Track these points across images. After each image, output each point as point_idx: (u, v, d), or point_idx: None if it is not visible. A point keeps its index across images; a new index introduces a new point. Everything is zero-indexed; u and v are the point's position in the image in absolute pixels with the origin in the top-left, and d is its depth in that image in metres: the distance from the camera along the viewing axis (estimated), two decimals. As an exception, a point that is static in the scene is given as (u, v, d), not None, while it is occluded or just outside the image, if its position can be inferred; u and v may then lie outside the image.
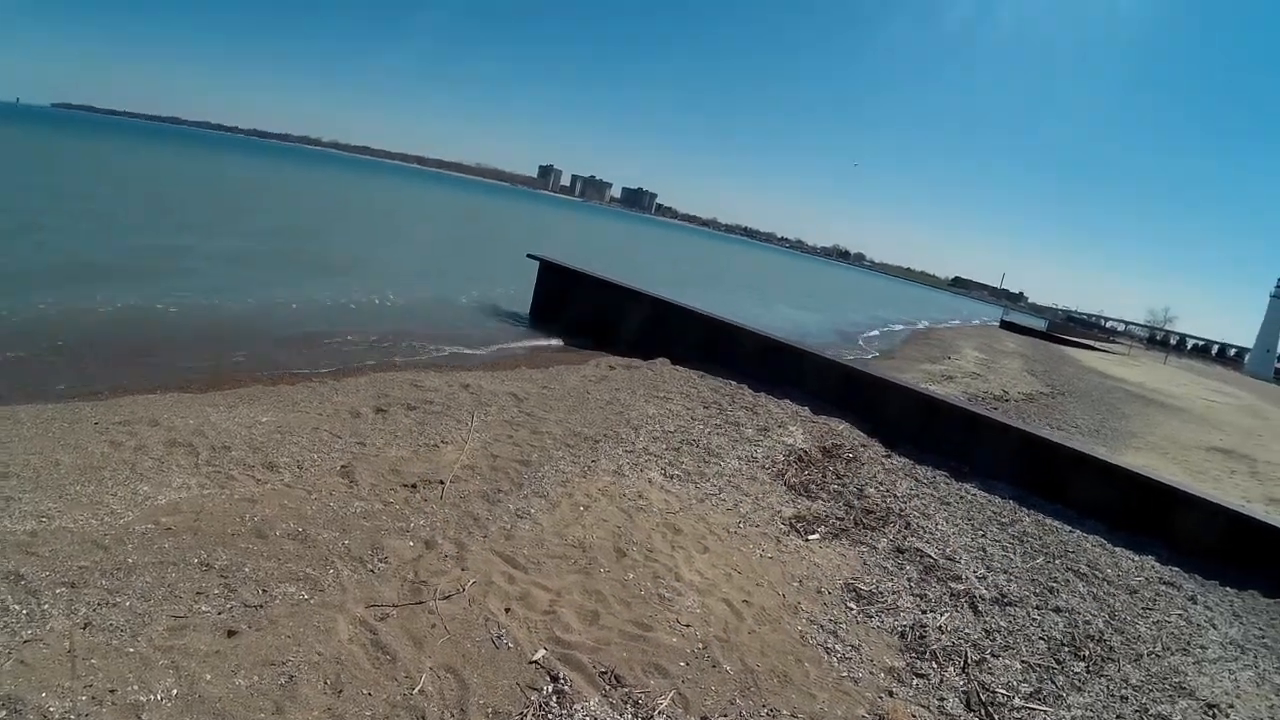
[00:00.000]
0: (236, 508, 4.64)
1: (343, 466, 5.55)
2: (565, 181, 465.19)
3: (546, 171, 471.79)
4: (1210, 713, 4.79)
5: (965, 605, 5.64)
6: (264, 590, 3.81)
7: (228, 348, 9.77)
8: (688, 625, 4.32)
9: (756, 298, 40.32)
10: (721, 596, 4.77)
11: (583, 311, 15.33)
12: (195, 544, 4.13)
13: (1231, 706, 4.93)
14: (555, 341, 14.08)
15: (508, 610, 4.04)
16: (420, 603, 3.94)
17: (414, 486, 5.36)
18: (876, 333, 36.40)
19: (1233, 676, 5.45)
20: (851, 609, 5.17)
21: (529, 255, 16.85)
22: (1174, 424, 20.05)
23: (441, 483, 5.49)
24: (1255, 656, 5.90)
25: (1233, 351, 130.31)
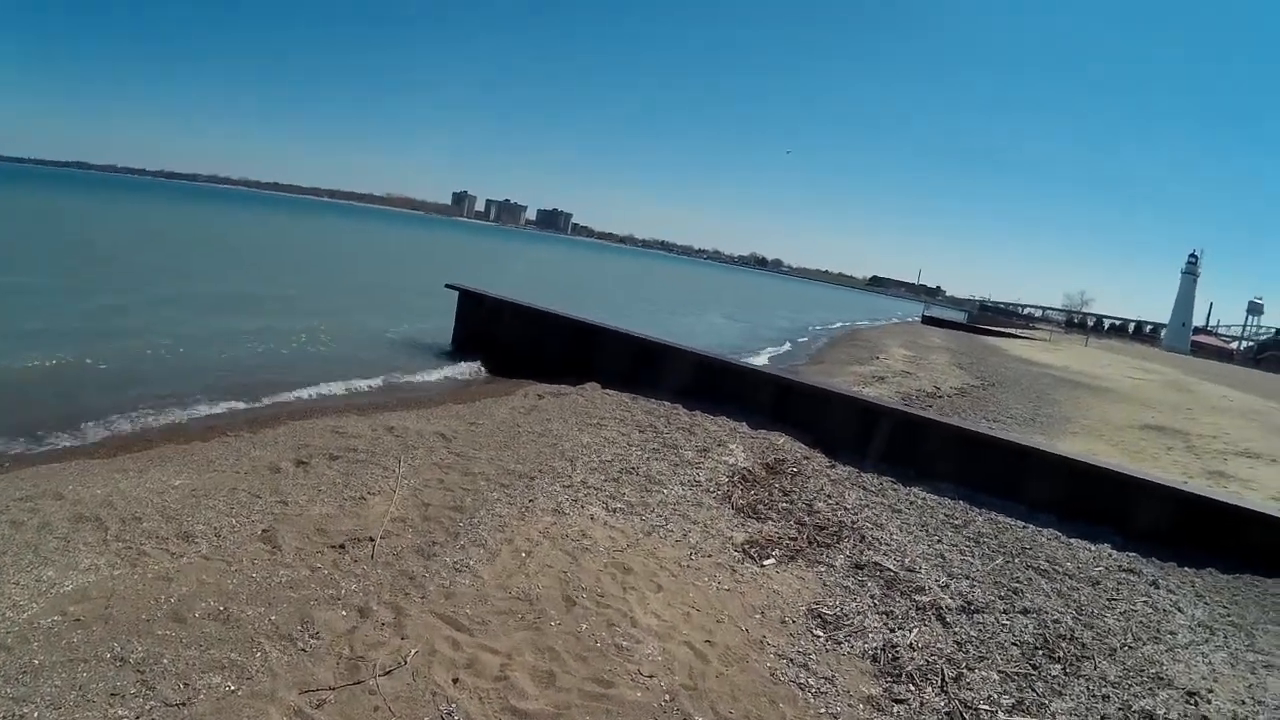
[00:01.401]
0: (151, 588, 4.34)
1: (264, 531, 5.26)
2: (480, 207, 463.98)
3: (460, 198, 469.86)
4: (1192, 700, 4.82)
5: (932, 617, 5.61)
6: (185, 684, 3.53)
7: (134, 404, 9.34)
8: (650, 676, 4.15)
9: (682, 310, 40.78)
10: (682, 639, 4.62)
11: (506, 340, 15.18)
12: (107, 635, 3.84)
13: (1211, 691, 4.98)
14: (480, 372, 13.95)
15: (455, 681, 3.81)
16: (359, 682, 3.69)
17: (342, 547, 5.10)
18: (803, 336, 37.05)
19: (1207, 660, 5.52)
20: (819, 636, 5.07)
21: (448, 285, 16.62)
22: (1105, 405, 20.75)
23: (371, 540, 5.24)
24: (1225, 636, 6.01)
25: (1149, 328, 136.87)
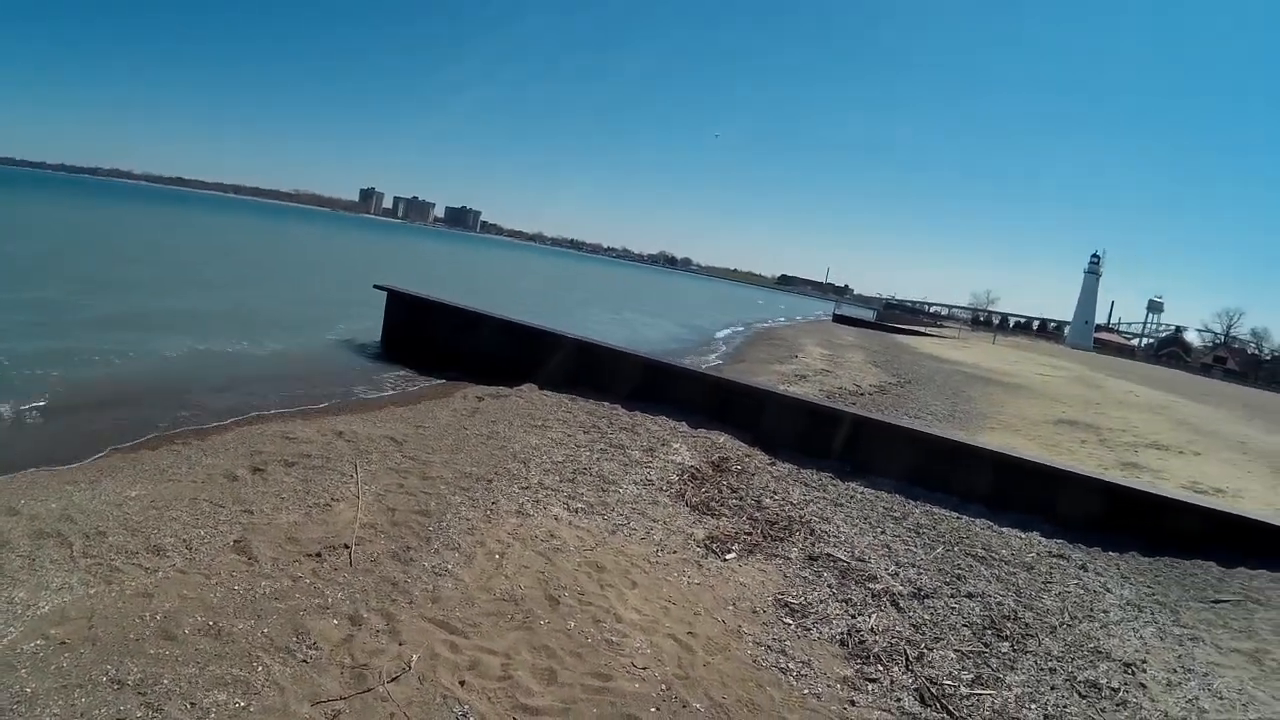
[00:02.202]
0: (132, 606, 4.34)
1: (236, 541, 5.29)
2: (388, 204, 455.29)
3: (368, 194, 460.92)
4: (1130, 670, 5.41)
5: (888, 604, 6.04)
6: (192, 704, 3.58)
7: (69, 413, 9.09)
8: (644, 668, 4.44)
9: (600, 309, 41.05)
10: (666, 632, 4.92)
11: (437, 340, 15.20)
12: (98, 658, 3.84)
13: (1145, 662, 5.59)
14: (413, 374, 13.86)
15: (462, 683, 4.00)
16: (369, 690, 3.83)
17: (318, 555, 5.18)
18: (722, 334, 37.82)
19: (1138, 634, 6.16)
20: (789, 624, 5.44)
21: (376, 286, 16.52)
22: (1019, 401, 21.82)
23: (346, 547, 5.35)
24: (1152, 613, 6.69)
25: (1053, 326, 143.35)
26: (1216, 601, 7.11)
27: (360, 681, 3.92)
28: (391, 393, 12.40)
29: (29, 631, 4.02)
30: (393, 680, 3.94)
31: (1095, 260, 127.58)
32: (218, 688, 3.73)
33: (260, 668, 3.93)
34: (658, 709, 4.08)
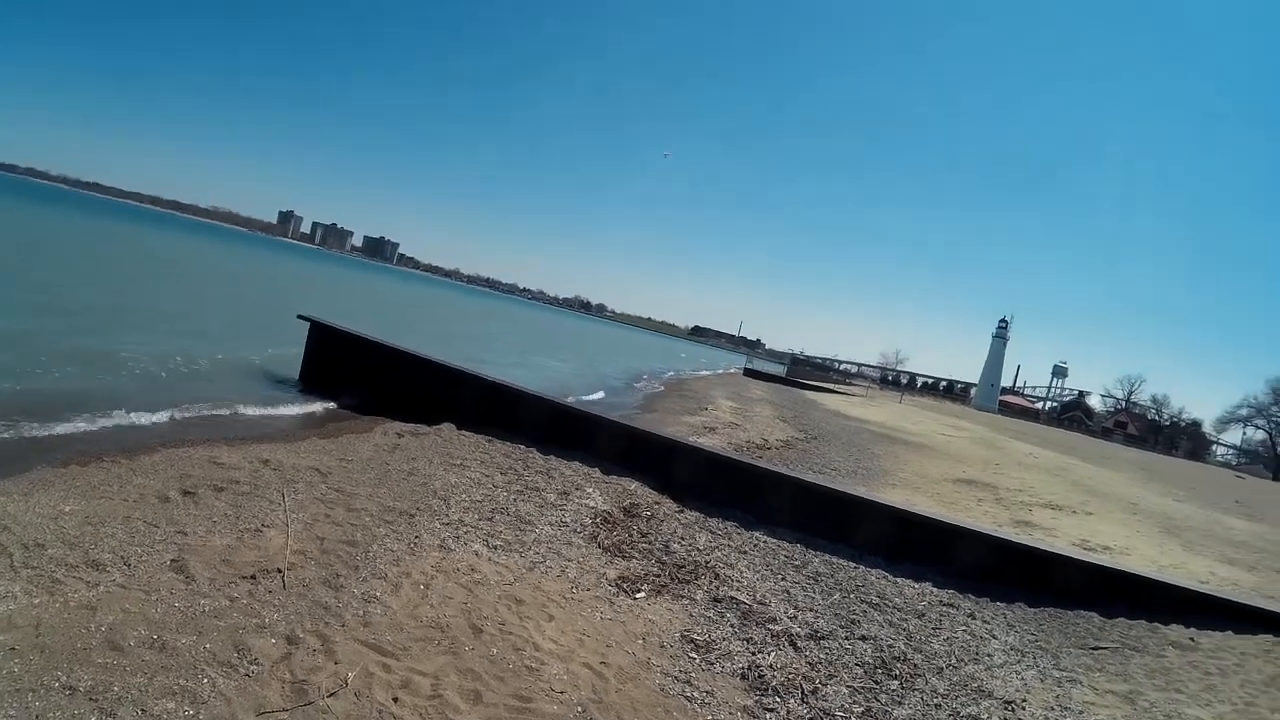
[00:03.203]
0: (76, 617, 4.57)
1: (173, 560, 5.54)
2: (306, 229, 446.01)
3: (287, 217, 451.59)
4: (1010, 708, 6.07)
5: (786, 643, 6.58)
6: (143, 710, 3.84)
7: None
8: (562, 692, 4.85)
9: (519, 351, 41.31)
10: (581, 661, 5.35)
11: (358, 375, 15.21)
12: (47, 664, 4.07)
13: (1025, 701, 6.28)
14: (333, 407, 13.99)
15: (396, 700, 4.34)
16: (310, 703, 4.14)
17: (253, 578, 5.47)
18: (637, 383, 38.42)
19: (1020, 676, 6.87)
20: (694, 658, 5.93)
21: (300, 316, 16.41)
22: (921, 460, 22.91)
23: (279, 571, 5.64)
24: (1034, 658, 7.44)
25: (960, 387, 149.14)
26: (1096, 648, 7.92)
27: (301, 695, 4.23)
28: (311, 424, 12.55)
29: (-24, 637, 4.22)
30: (331, 695, 4.26)
31: (1004, 325, 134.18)
32: (166, 697, 4.00)
33: (205, 679, 4.20)
34: (575, 729, 4.50)
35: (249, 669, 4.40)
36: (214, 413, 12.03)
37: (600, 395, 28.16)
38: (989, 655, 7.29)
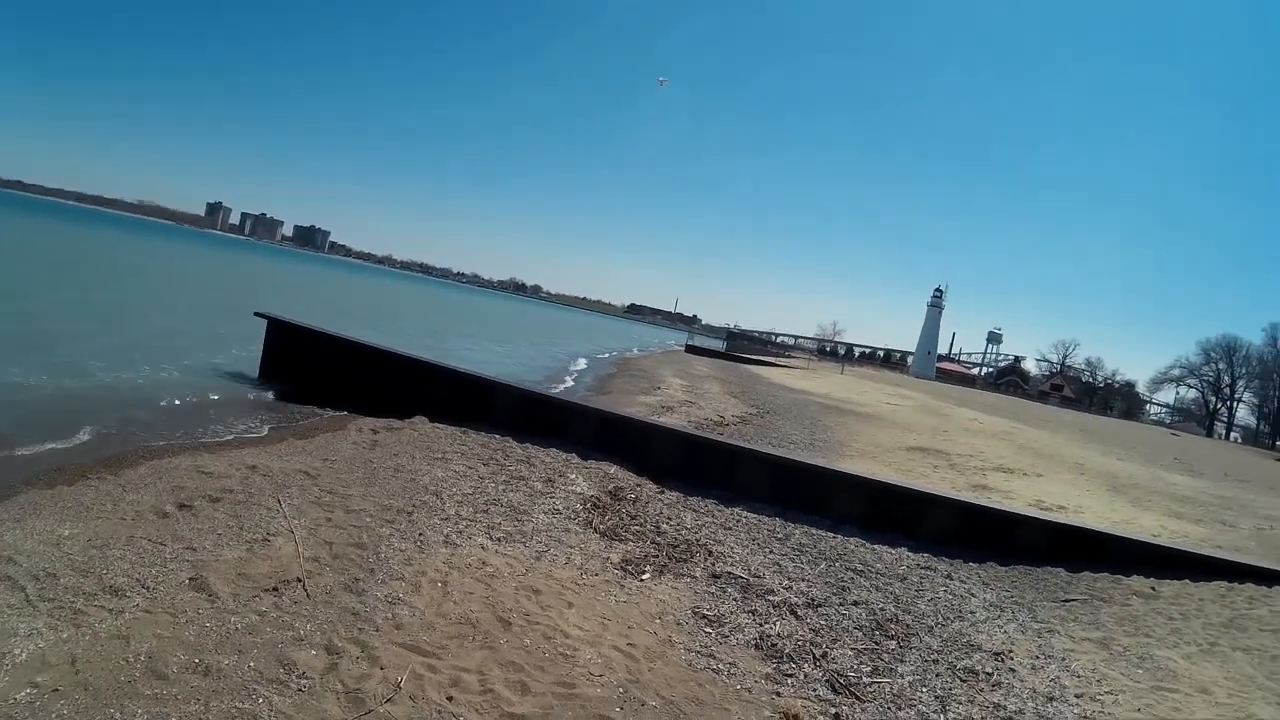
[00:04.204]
0: (111, 648, 4.53)
1: (191, 579, 5.55)
2: (235, 220, 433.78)
3: (215, 209, 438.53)
4: (999, 658, 6.64)
5: (788, 613, 7.00)
6: None
7: None
8: (600, 675, 5.15)
9: (465, 336, 41.38)
10: (610, 644, 5.66)
11: (323, 372, 15.14)
12: (96, 702, 4.01)
13: (1012, 651, 6.86)
14: (300, 406, 13.89)
15: (450, 699, 4.54)
16: (369, 711, 4.28)
17: (275, 589, 5.57)
18: (582, 364, 38.74)
19: (1003, 630, 7.44)
20: (710, 633, 6.30)
21: (257, 314, 16.15)
22: (872, 430, 23.59)
23: (299, 580, 5.77)
24: (1013, 612, 8.03)
25: (898, 356, 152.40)
26: (1067, 600, 8.57)
27: (359, 705, 4.35)
28: (284, 425, 12.51)
29: (15, 681, 4.11)
30: (388, 701, 4.41)
31: (939, 294, 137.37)
32: (227, 721, 4.08)
33: (261, 699, 4.24)
34: (621, 708, 4.80)
35: (300, 683, 4.45)
36: (184, 418, 11.95)
37: (553, 378, 28.43)
38: (971, 612, 7.85)
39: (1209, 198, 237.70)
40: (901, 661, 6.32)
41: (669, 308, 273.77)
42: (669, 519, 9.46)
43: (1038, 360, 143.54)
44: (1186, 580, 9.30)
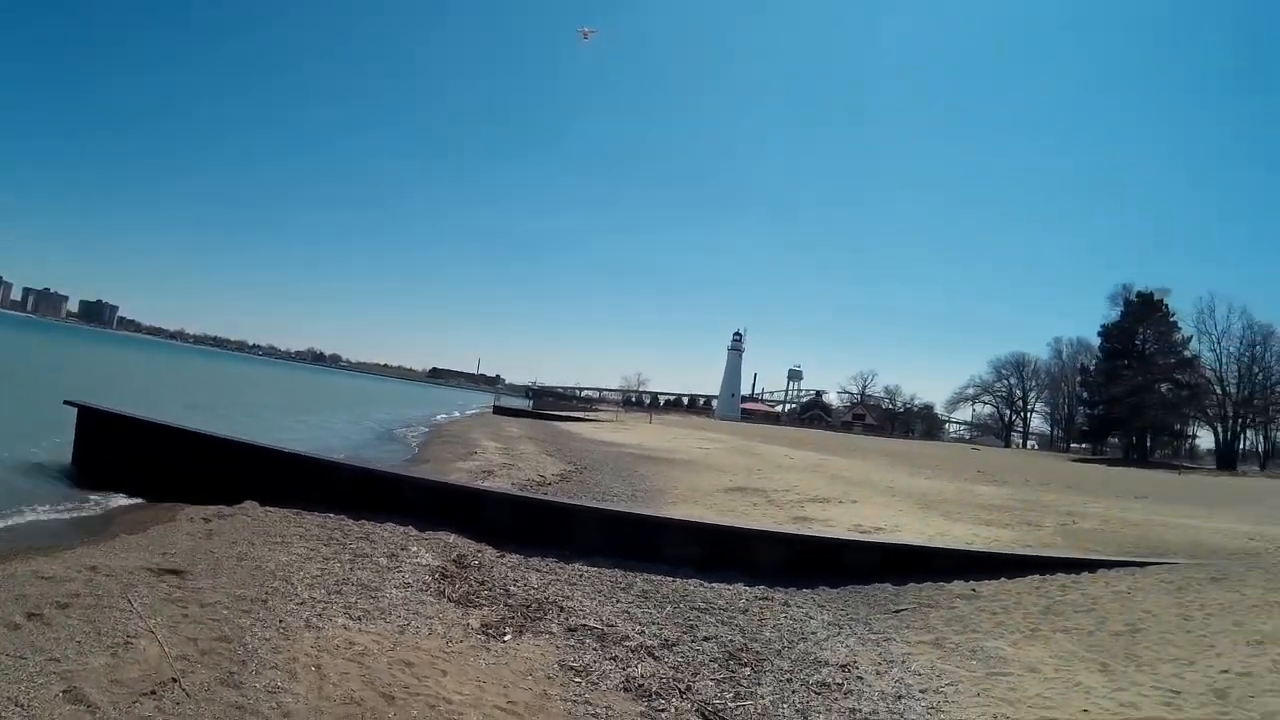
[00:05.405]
0: None
1: (64, 691, 5.26)
2: (16, 295, 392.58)
3: None
4: (846, 669, 7.36)
5: (646, 655, 7.44)
6: None
7: None
8: (492, 736, 5.44)
9: (276, 414, 39.72)
10: (492, 704, 5.89)
11: (142, 460, 14.21)
12: None
13: (856, 662, 7.58)
14: (122, 498, 13.15)
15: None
16: None
17: (153, 693, 5.45)
18: (395, 433, 38.24)
19: (844, 644, 8.19)
20: (580, 682, 6.64)
21: (67, 402, 15.16)
22: (689, 475, 24.51)
23: (175, 680, 5.69)
24: (850, 628, 8.83)
25: (702, 400, 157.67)
26: (898, 611, 9.49)
27: None
28: (112, 519, 11.87)
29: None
30: None
31: (738, 337, 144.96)
32: None
33: None
34: (521, 762, 5.12)
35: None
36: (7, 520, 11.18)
37: (370, 451, 28.01)
38: (813, 633, 8.56)
39: (985, 223, 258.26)
40: (759, 685, 6.87)
41: (471, 369, 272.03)
42: (515, 581, 9.72)
43: (839, 392, 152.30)
44: (1003, 579, 10.48)
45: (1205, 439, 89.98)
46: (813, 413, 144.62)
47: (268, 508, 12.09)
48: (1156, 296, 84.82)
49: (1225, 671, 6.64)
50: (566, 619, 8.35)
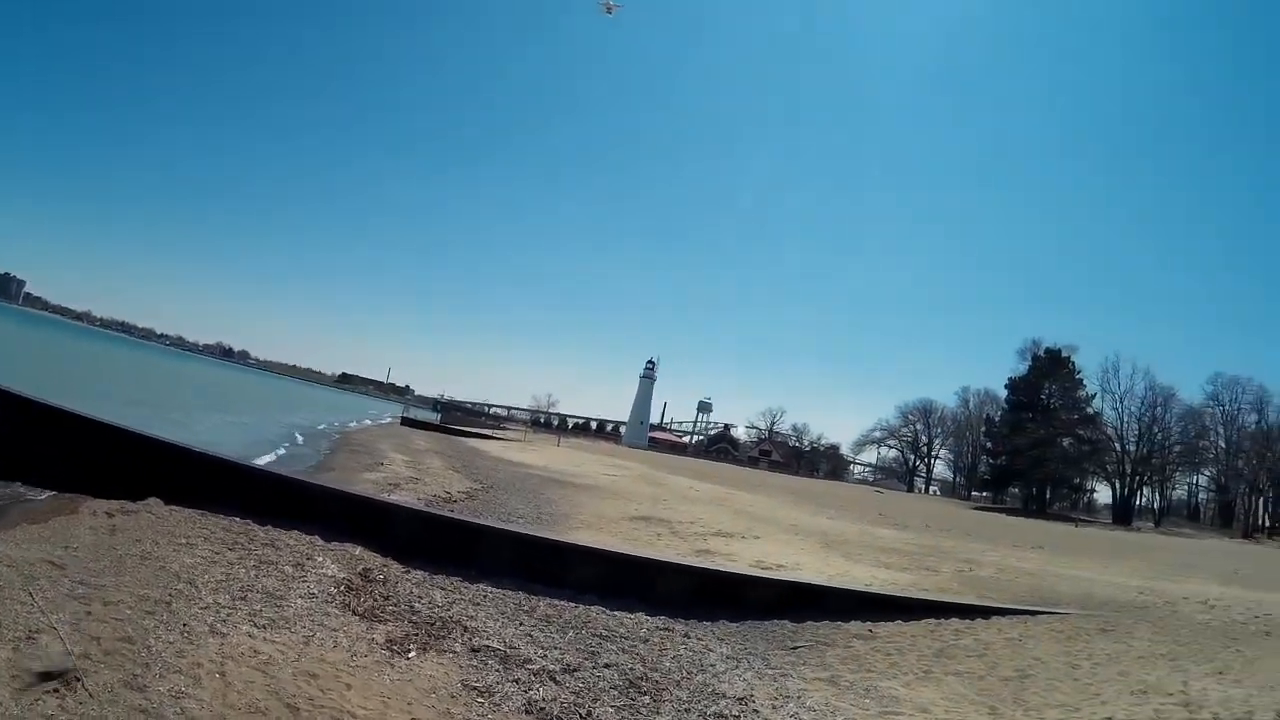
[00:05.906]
0: None
1: None
2: None
3: None
4: (743, 702, 7.63)
5: (548, 679, 7.60)
6: None
7: None
8: (392, 748, 5.54)
9: (180, 410, 38.53)
10: (394, 720, 6.03)
11: (45, 448, 13.52)
12: None
13: (753, 695, 7.87)
14: (19, 486, 12.74)
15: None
16: None
17: (56, 691, 5.42)
18: (301, 439, 37.58)
19: (742, 677, 8.48)
20: (483, 702, 6.77)
21: None
22: (595, 501, 24.72)
23: (77, 679, 5.67)
24: (748, 662, 9.14)
25: (610, 426, 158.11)
26: (795, 647, 9.87)
27: None
28: (8, 506, 11.60)
29: None
30: None
31: (650, 366, 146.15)
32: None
33: None
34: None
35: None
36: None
37: (277, 454, 27.57)
38: (712, 665, 8.82)
39: (900, 268, 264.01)
40: (658, 714, 7.10)
41: (381, 377, 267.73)
42: (420, 598, 9.77)
43: (747, 427, 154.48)
44: (899, 620, 10.96)
45: (1103, 494, 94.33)
46: (720, 446, 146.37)
47: (172, 506, 11.83)
48: (1064, 353, 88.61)
49: (1109, 719, 7.11)
50: (470, 639, 8.45)
